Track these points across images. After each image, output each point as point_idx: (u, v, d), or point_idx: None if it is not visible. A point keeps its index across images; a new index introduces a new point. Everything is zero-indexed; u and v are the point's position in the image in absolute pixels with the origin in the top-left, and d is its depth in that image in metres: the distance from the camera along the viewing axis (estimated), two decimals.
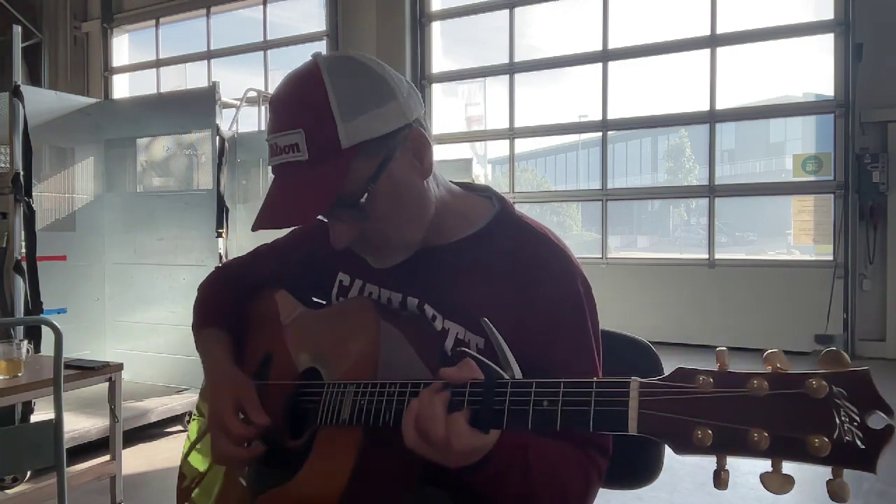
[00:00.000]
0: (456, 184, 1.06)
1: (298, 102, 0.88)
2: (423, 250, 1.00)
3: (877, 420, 0.55)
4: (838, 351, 0.58)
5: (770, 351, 0.61)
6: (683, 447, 0.62)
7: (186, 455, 1.21)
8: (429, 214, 0.96)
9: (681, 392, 0.63)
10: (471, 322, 0.95)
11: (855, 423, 0.55)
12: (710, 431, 0.60)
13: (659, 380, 0.66)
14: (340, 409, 0.89)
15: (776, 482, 0.58)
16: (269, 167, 0.92)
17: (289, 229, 1.23)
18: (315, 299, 1.16)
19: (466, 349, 0.78)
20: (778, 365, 0.60)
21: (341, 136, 0.85)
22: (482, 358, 0.76)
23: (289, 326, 1.12)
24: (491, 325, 0.79)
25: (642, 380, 0.67)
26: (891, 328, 5.91)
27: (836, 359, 0.58)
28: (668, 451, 1.19)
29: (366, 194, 0.88)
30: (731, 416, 0.60)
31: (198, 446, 1.19)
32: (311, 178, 0.86)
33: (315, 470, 0.91)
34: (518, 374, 0.77)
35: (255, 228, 0.89)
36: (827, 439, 0.56)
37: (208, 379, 1.10)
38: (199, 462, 1.18)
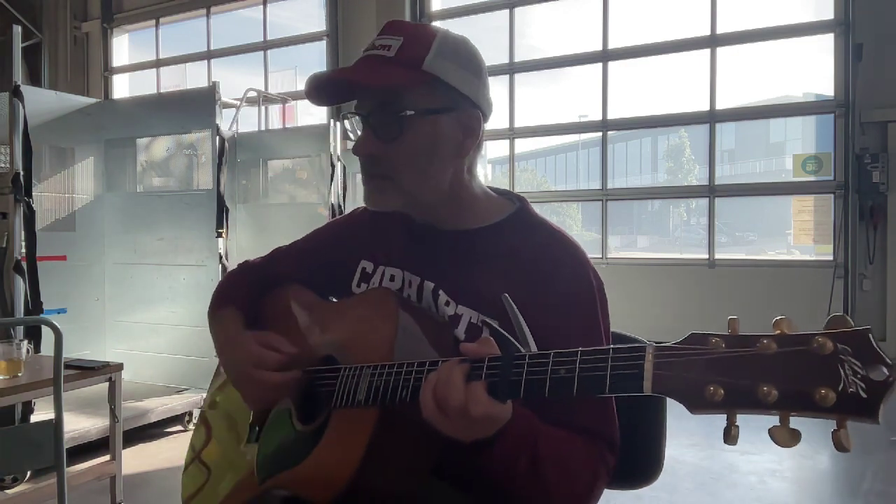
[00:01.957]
0: None
1: (413, 26, 1.02)
2: (442, 234, 1.06)
3: (879, 373, 0.59)
4: (843, 315, 0.62)
5: (778, 318, 0.65)
6: (696, 405, 0.65)
7: (187, 466, 1.21)
8: (439, 189, 1.02)
9: (694, 353, 0.67)
10: (484, 306, 0.99)
11: (859, 376, 0.59)
12: (721, 389, 0.63)
13: (673, 343, 0.69)
14: (356, 390, 0.91)
15: (784, 436, 0.61)
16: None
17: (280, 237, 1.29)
18: (332, 299, 1.18)
19: (489, 321, 0.82)
20: (785, 329, 0.64)
21: (427, 59, 0.97)
22: (502, 331, 0.78)
23: (306, 317, 1.14)
24: (511, 301, 0.82)
25: (657, 344, 0.70)
26: (891, 328, 5.91)
27: (840, 321, 0.62)
28: (668, 451, 1.19)
29: (413, 113, 0.97)
30: (741, 374, 0.63)
31: (201, 455, 1.19)
32: (384, 67, 0.97)
33: (327, 451, 0.92)
34: (535, 349, 0.79)
35: (312, 90, 1.00)
36: (832, 391, 0.59)
37: (223, 347, 1.12)
38: (198, 475, 1.18)
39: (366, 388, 0.89)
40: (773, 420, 0.62)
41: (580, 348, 0.74)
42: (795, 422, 0.62)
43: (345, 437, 0.90)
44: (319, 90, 1.01)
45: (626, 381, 0.70)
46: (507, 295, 0.83)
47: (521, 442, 0.84)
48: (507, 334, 0.78)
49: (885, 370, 0.58)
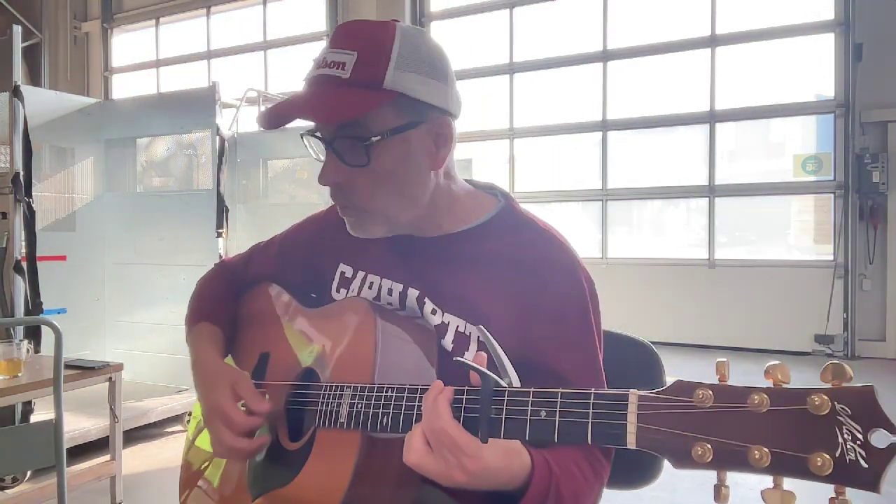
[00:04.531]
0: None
1: (365, 33, 0.90)
2: (425, 240, 1.01)
3: (880, 438, 0.54)
4: (841, 364, 0.57)
5: (771, 363, 0.60)
6: (682, 462, 0.62)
7: (187, 450, 1.21)
8: (419, 204, 0.96)
9: (680, 406, 0.62)
10: (471, 314, 0.95)
11: (858, 442, 0.54)
12: (709, 447, 0.60)
13: (657, 393, 0.65)
14: (338, 411, 0.88)
15: (777, 499, 0.58)
16: (304, 81, 0.92)
17: (264, 234, 1.24)
18: (313, 295, 1.15)
19: (461, 359, 0.77)
20: (779, 376, 0.59)
21: (388, 76, 0.87)
22: (478, 367, 0.75)
23: (285, 325, 1.11)
24: (487, 333, 0.78)
25: (640, 392, 0.66)
26: (891, 328, 5.91)
27: (838, 372, 0.57)
28: None
29: (379, 137, 0.89)
30: (731, 433, 0.59)
31: (198, 439, 1.19)
32: (341, 93, 0.87)
33: (315, 472, 0.90)
34: (516, 381, 0.76)
35: (265, 122, 0.90)
36: (829, 457, 0.55)
37: (199, 374, 1.07)
38: (205, 445, 1.19)
39: (346, 411, 0.87)
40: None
41: (560, 389, 0.71)
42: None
43: (330, 460, 0.89)
44: (274, 121, 0.91)
45: (608, 433, 0.66)
46: (482, 326, 0.79)
47: (545, 492, 0.81)
48: (483, 369, 0.75)
49: (887, 435, 0.53)
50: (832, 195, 6.30)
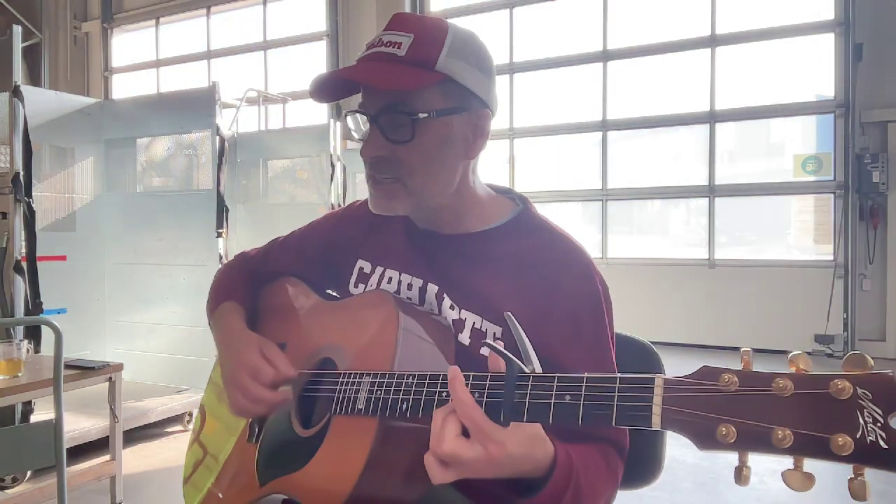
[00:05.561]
0: None
1: (421, 21, 0.97)
2: (445, 237, 1.03)
3: None
4: (862, 354, 0.59)
5: (794, 353, 0.63)
6: (706, 443, 0.63)
7: (189, 447, 1.22)
8: (448, 191, 0.99)
9: (705, 390, 0.64)
10: (488, 311, 0.97)
11: (878, 424, 0.57)
12: (733, 429, 0.61)
13: (683, 377, 0.66)
14: (356, 398, 0.89)
15: (798, 480, 0.60)
16: (357, 61, 0.97)
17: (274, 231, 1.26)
18: (329, 292, 1.17)
19: (490, 342, 0.79)
20: (801, 366, 0.61)
21: (440, 58, 0.93)
22: (505, 352, 0.76)
23: (304, 316, 1.12)
24: (514, 319, 0.79)
25: (666, 376, 0.67)
26: (891, 328, 5.91)
27: (860, 361, 0.59)
28: (668, 451, 1.19)
29: (426, 115, 0.93)
30: (755, 415, 0.61)
31: (199, 437, 1.19)
32: (396, 67, 0.93)
33: (328, 458, 0.90)
34: (539, 368, 0.76)
35: (321, 93, 0.98)
36: (850, 438, 0.57)
37: (225, 342, 1.09)
38: (197, 452, 1.19)
39: (365, 398, 0.88)
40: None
41: (586, 374, 0.72)
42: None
43: (345, 447, 0.89)
44: (324, 90, 0.97)
45: (633, 414, 0.67)
46: (510, 314, 0.80)
47: (567, 482, 0.81)
48: (509, 354, 0.75)
49: None
50: (832, 195, 6.30)
